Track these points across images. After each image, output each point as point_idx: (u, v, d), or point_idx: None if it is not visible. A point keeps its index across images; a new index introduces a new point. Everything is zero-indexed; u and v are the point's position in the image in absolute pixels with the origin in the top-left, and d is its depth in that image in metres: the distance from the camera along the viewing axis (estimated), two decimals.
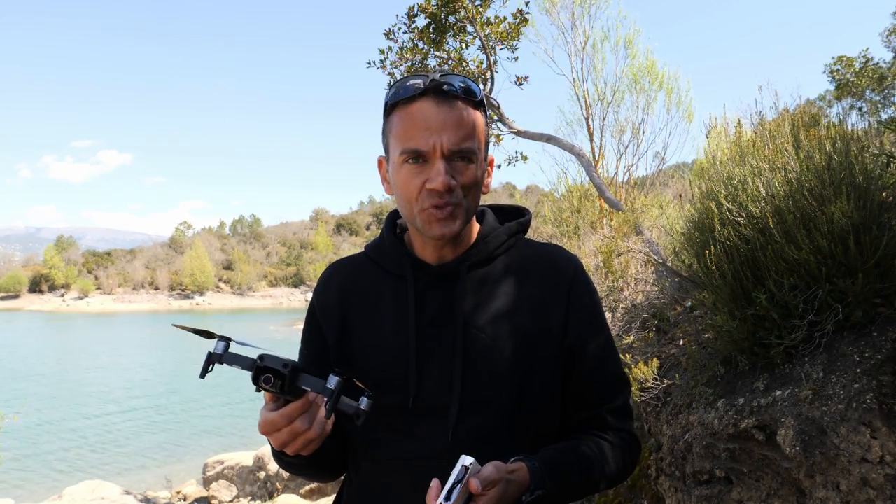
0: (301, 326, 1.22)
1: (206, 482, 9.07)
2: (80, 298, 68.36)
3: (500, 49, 5.98)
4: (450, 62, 5.89)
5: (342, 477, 1.21)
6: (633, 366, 3.13)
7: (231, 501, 8.71)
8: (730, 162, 2.84)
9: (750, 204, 2.44)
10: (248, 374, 0.85)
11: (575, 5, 7.11)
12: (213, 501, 8.79)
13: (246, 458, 9.03)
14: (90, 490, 8.00)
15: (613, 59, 7.98)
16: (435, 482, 0.87)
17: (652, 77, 6.71)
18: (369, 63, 5.93)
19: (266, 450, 8.67)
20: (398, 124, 1.03)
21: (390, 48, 5.87)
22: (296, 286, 76.85)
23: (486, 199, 1.15)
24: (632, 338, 3.67)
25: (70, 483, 8.98)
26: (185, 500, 9.12)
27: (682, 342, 3.26)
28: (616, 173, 6.89)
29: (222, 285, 75.27)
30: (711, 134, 3.88)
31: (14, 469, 10.49)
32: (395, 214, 1.21)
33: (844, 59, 12.61)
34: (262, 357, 0.84)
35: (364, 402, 0.88)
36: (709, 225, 2.55)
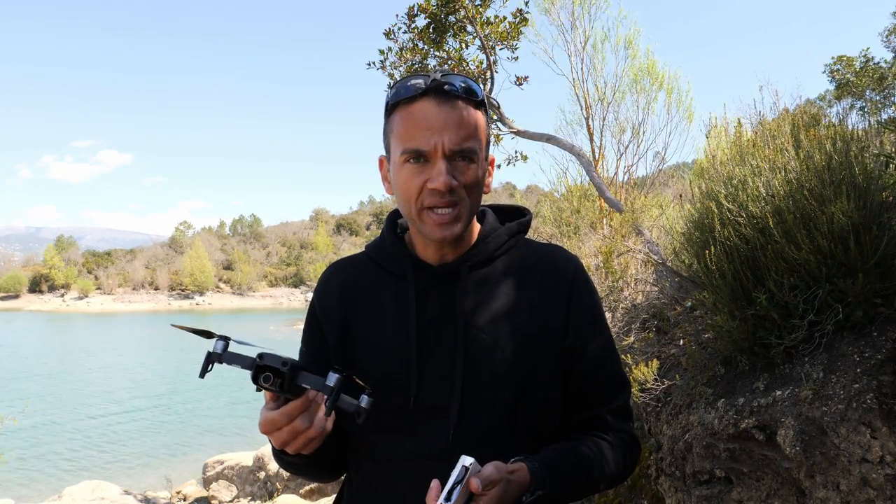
0: (301, 326, 1.22)
1: (206, 482, 9.07)
2: (80, 298, 68.36)
3: (500, 49, 5.98)
4: (450, 62, 5.89)
5: (342, 477, 1.21)
6: (633, 366, 3.13)
7: (231, 501, 8.71)
8: (730, 162, 2.84)
9: (750, 204, 2.44)
10: (247, 374, 0.85)
11: (574, 5, 7.11)
12: (213, 501, 8.79)
13: (246, 458, 9.03)
14: (90, 490, 8.00)
15: (614, 59, 7.99)
16: (435, 482, 0.87)
17: (652, 77, 6.71)
18: (369, 64, 5.93)
19: (266, 450, 8.67)
20: (399, 124, 1.03)
21: (390, 49, 5.86)
22: (296, 286, 76.86)
23: (486, 199, 1.15)
24: (632, 338, 3.67)
25: (70, 483, 8.99)
26: (185, 500, 9.12)
27: (682, 342, 3.26)
28: (616, 173, 6.89)
29: (222, 285, 75.28)
30: (711, 134, 3.88)
31: (14, 469, 10.49)
32: (395, 214, 1.21)
33: (844, 58, 12.61)
34: (261, 356, 0.84)
35: (364, 400, 0.88)
36: (709, 225, 2.55)
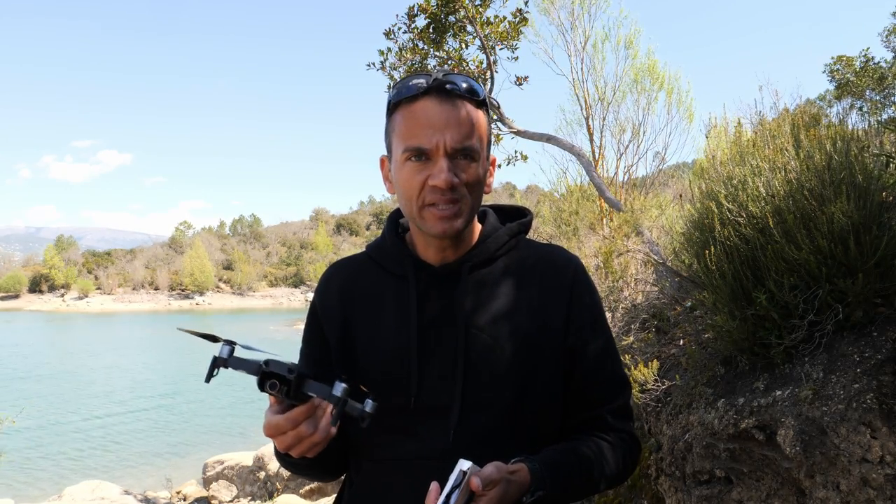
0: (301, 326, 1.22)
1: (206, 482, 9.07)
2: (80, 298, 68.34)
3: (500, 49, 5.98)
4: (450, 62, 5.89)
5: (342, 477, 1.21)
6: (633, 366, 3.13)
7: (231, 501, 8.71)
8: (730, 162, 2.84)
9: (750, 204, 2.44)
10: (251, 377, 0.85)
11: (574, 5, 7.12)
12: (213, 501, 8.79)
13: (246, 458, 9.03)
14: (90, 490, 8.00)
15: (614, 59, 7.99)
16: (434, 485, 0.87)
17: (653, 77, 6.71)
18: (369, 65, 5.93)
19: (266, 450, 8.67)
20: (401, 123, 1.03)
21: (390, 49, 5.86)
22: (296, 286, 76.83)
23: (486, 200, 1.15)
24: (632, 338, 3.67)
25: (70, 483, 8.99)
26: (185, 500, 9.12)
27: (682, 342, 3.26)
28: (616, 173, 6.89)
29: (222, 285, 75.25)
30: (711, 134, 3.89)
31: (14, 469, 10.50)
32: (396, 215, 1.21)
33: (844, 58, 12.60)
34: (267, 362, 0.84)
35: (369, 405, 0.88)
36: (709, 225, 2.55)
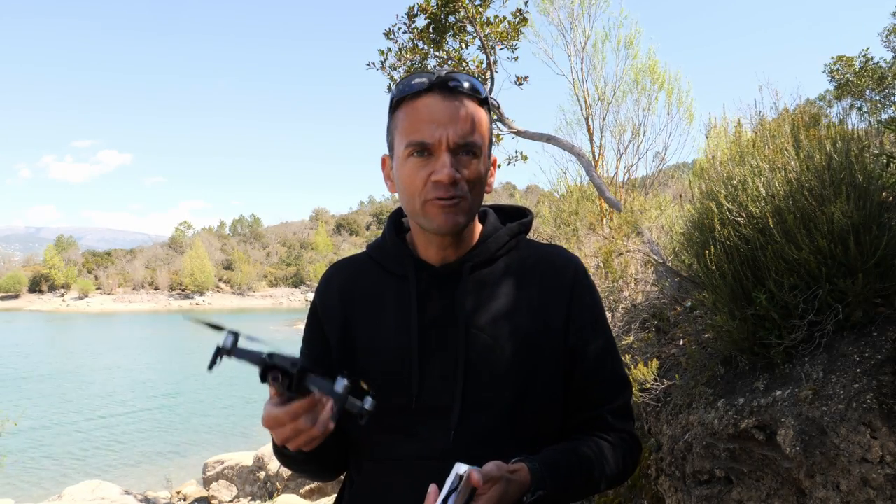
0: (301, 326, 1.22)
1: (206, 482, 9.07)
2: (80, 298, 68.33)
3: (500, 49, 5.97)
4: (450, 62, 5.89)
5: (342, 476, 1.21)
6: (633, 366, 3.13)
7: (231, 501, 8.71)
8: (730, 162, 2.85)
9: (750, 204, 2.44)
10: (254, 371, 0.86)
11: (574, 5, 7.12)
12: (213, 501, 8.79)
13: (246, 458, 9.03)
14: (90, 490, 8.00)
15: (614, 59, 7.99)
16: (432, 487, 0.87)
17: (654, 77, 6.71)
18: (369, 64, 5.93)
19: (266, 450, 8.67)
20: (404, 119, 1.03)
21: (390, 49, 5.86)
22: (296, 286, 76.83)
23: (486, 199, 1.16)
24: (632, 338, 3.67)
25: (70, 483, 8.99)
26: (185, 500, 9.12)
27: (682, 342, 3.26)
28: (616, 173, 6.89)
29: (222, 285, 75.24)
30: (711, 134, 3.89)
31: (14, 469, 10.50)
32: (397, 214, 1.21)
33: (844, 58, 12.60)
34: (271, 355, 0.85)
35: (369, 402, 0.88)
36: (709, 225, 2.55)
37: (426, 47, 5.82)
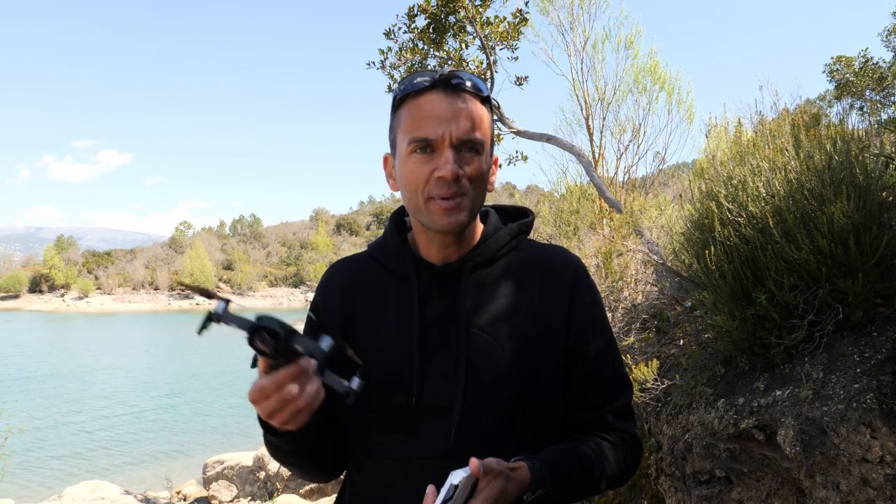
0: (301, 326, 1.22)
1: (206, 482, 9.07)
2: (80, 298, 68.32)
3: (500, 49, 5.98)
4: (450, 62, 5.89)
5: (342, 477, 1.21)
6: (633, 366, 3.13)
7: (231, 501, 8.71)
8: (730, 162, 2.85)
9: (750, 204, 2.44)
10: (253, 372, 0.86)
11: (574, 5, 7.11)
12: (213, 501, 8.79)
13: (246, 458, 9.02)
14: (90, 490, 8.00)
15: (614, 59, 7.99)
16: (430, 488, 0.87)
17: (654, 77, 6.70)
18: (369, 64, 5.93)
19: (266, 450, 8.65)
20: (407, 117, 1.03)
21: (390, 49, 5.87)
22: (296, 286, 76.83)
23: (487, 199, 1.16)
24: (632, 338, 3.67)
25: (70, 483, 8.98)
26: (185, 500, 9.12)
27: (682, 342, 3.26)
28: (616, 173, 6.89)
29: (222, 285, 75.18)
30: (711, 134, 3.89)
31: (14, 469, 10.49)
32: (398, 214, 1.21)
33: (843, 59, 12.61)
34: (259, 318, 0.86)
35: (356, 382, 0.89)
36: (709, 225, 2.55)
37: (426, 47, 5.82)
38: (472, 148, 1.02)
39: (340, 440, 1.13)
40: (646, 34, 7.35)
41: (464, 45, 5.97)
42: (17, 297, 69.95)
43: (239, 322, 0.86)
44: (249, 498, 8.63)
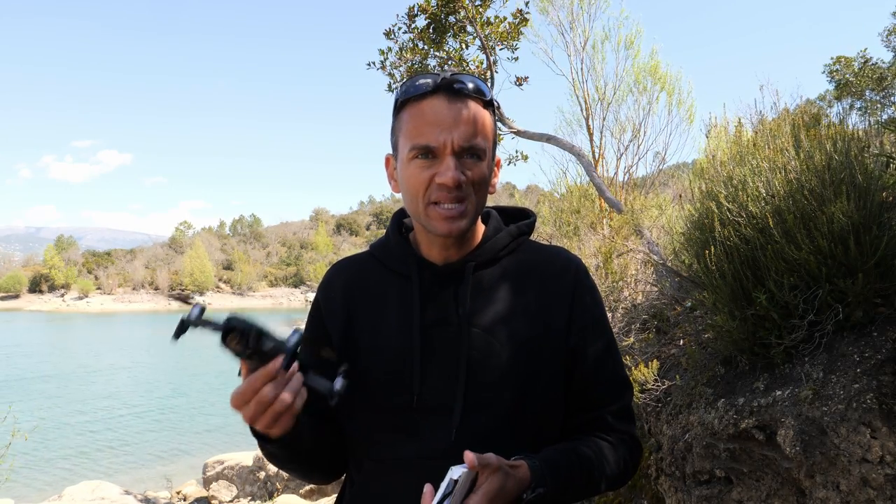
0: (302, 326, 1.22)
1: (206, 482, 9.07)
2: (80, 298, 68.31)
3: (500, 49, 5.98)
4: (450, 62, 5.89)
5: (342, 477, 1.21)
6: (633, 367, 3.13)
7: (231, 501, 8.71)
8: (730, 162, 2.85)
9: (750, 204, 2.45)
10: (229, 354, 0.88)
11: (573, 5, 7.11)
12: (213, 501, 8.79)
13: (246, 458, 9.03)
14: (90, 490, 8.00)
15: (614, 60, 7.98)
16: (428, 488, 0.87)
17: (655, 77, 6.70)
18: (369, 64, 5.93)
19: None
20: (408, 121, 1.03)
21: (390, 49, 5.87)
22: (296, 286, 76.81)
23: (488, 200, 1.16)
24: (632, 338, 3.67)
25: (70, 483, 8.98)
26: (185, 500, 9.12)
27: (682, 342, 3.26)
28: (616, 173, 6.89)
29: (222, 285, 75.19)
30: (711, 134, 3.89)
31: (14, 469, 10.48)
32: (400, 214, 1.21)
33: (843, 59, 12.61)
34: (230, 319, 0.88)
35: (339, 383, 0.90)
36: (709, 225, 2.55)
37: (426, 47, 5.83)
38: (474, 154, 1.02)
39: (339, 441, 1.13)
40: (646, 34, 7.35)
41: (464, 46, 5.98)
42: (17, 297, 69.94)
43: (211, 326, 0.87)
44: (249, 498, 8.63)
